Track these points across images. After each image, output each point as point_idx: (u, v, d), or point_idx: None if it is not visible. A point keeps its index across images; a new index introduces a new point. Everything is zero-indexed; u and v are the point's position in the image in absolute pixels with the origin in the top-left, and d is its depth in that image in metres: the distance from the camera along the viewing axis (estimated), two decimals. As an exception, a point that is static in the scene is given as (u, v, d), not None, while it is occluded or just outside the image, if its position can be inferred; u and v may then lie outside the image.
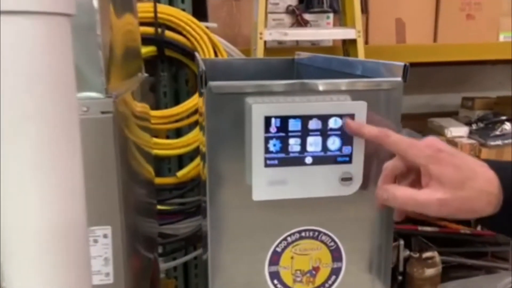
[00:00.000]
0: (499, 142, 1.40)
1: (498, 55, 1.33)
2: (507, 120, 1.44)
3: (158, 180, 1.25)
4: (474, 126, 1.45)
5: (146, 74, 0.84)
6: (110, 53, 0.53)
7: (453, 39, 1.33)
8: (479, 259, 1.55)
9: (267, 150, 0.49)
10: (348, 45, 1.21)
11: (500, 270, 1.56)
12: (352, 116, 0.49)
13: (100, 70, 0.51)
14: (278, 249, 0.53)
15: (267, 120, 0.48)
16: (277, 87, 0.49)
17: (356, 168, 0.51)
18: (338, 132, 0.50)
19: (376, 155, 0.51)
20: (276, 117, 0.48)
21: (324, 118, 0.49)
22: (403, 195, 0.45)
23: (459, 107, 1.58)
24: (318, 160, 0.50)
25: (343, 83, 0.51)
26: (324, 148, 0.50)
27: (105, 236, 0.55)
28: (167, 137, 1.23)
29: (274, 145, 0.49)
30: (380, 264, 0.55)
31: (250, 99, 0.49)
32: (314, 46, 1.29)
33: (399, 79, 0.51)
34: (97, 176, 0.51)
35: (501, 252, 1.57)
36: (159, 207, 1.25)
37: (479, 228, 1.59)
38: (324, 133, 0.49)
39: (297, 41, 1.27)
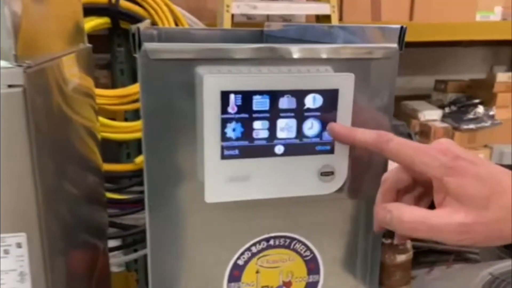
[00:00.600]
0: (472, 126, 1.31)
1: (475, 35, 1.23)
2: (480, 103, 1.35)
3: (116, 167, 1.11)
4: (447, 110, 1.36)
5: (88, 45, 0.69)
6: (25, 16, 0.39)
7: (429, 18, 1.22)
8: (448, 244, 1.48)
9: (224, 137, 0.35)
10: (321, 22, 1.09)
11: (469, 254, 1.49)
12: (335, 93, 0.36)
13: (7, 32, 0.37)
14: (240, 262, 0.40)
15: (224, 97, 0.34)
16: (238, 53, 0.36)
17: (340, 159, 0.38)
18: (317, 114, 0.36)
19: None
20: (236, 92, 0.35)
21: (299, 95, 0.36)
22: (412, 218, 0.33)
23: (432, 90, 1.48)
24: (292, 150, 0.37)
25: (323, 49, 0.37)
26: (299, 134, 0.36)
27: (18, 245, 0.41)
28: (126, 120, 1.08)
29: (234, 129, 0.35)
30: (365, 276, 0.43)
31: (201, 69, 0.35)
32: (285, 22, 1.15)
33: (395, 45, 0.38)
34: (5, 167, 0.37)
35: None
36: (117, 196, 1.11)
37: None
38: (299, 114, 0.36)
39: (267, 16, 1.12)
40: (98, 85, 1.14)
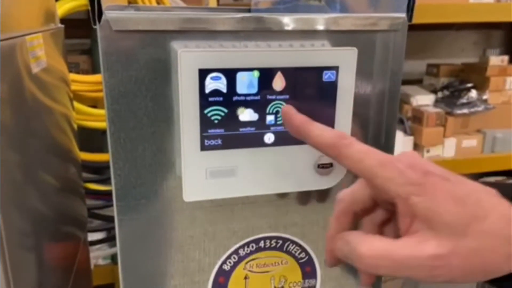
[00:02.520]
0: (465, 111, 1.26)
1: (468, 17, 1.17)
2: (473, 87, 1.31)
3: (99, 157, 1.04)
4: (439, 94, 1.31)
5: (60, 25, 0.61)
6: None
7: (422, -1, 1.16)
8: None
9: (204, 124, 0.29)
10: (312, 3, 1.02)
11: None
12: (335, 70, 0.30)
13: None
14: (226, 267, 0.34)
15: (203, 76, 0.28)
16: (219, 24, 0.29)
17: (340, 149, 0.32)
18: (313, 96, 0.30)
19: (368, 126, 0.33)
20: (217, 71, 0.29)
21: (291, 74, 0.30)
22: (373, 251, 0.25)
23: (424, 75, 1.43)
24: (283, 139, 0.31)
25: (320, 20, 0.31)
26: (293, 119, 0.31)
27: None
28: (108, 107, 1.01)
29: (215, 115, 0.29)
30: (367, 280, 0.37)
31: (176, 44, 0.29)
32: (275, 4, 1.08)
33: (403, 15, 0.32)
34: None
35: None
36: (102, 187, 1.04)
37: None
38: (293, 97, 0.30)
39: (255, -2, 1.05)
40: (78, 71, 1.07)
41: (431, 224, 0.24)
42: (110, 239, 1.07)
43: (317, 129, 0.28)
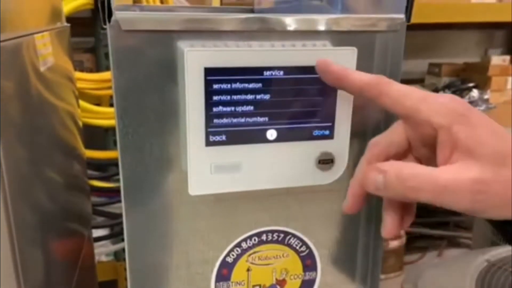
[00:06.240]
0: (466, 110, 1.27)
1: (471, 17, 1.18)
2: (475, 87, 1.32)
3: (103, 154, 1.06)
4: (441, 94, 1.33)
5: (66, 24, 0.63)
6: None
7: (424, -1, 1.17)
8: (441, 229, 1.45)
9: (209, 121, 0.30)
10: (314, 2, 1.03)
11: (461, 239, 1.47)
12: (336, 69, 0.31)
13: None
14: (229, 259, 0.36)
15: (209, 74, 0.30)
16: (224, 24, 0.31)
17: (340, 145, 0.33)
18: (314, 94, 0.32)
19: (368, 123, 0.34)
20: (222, 69, 0.30)
21: (294, 73, 0.31)
22: (415, 174, 0.25)
23: (425, 74, 1.44)
24: (286, 135, 0.32)
25: (321, 20, 0.32)
26: (294, 116, 0.32)
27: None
28: (111, 105, 1.03)
29: (220, 112, 0.31)
30: (366, 273, 0.39)
31: (183, 43, 0.30)
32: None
33: (402, 15, 0.33)
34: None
35: (462, 221, 1.48)
36: (105, 184, 1.06)
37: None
38: (295, 95, 0.32)
39: (258, -3, 1.06)
40: (82, 69, 1.08)
41: (472, 153, 0.25)
42: (113, 236, 1.09)
43: (355, 73, 0.29)
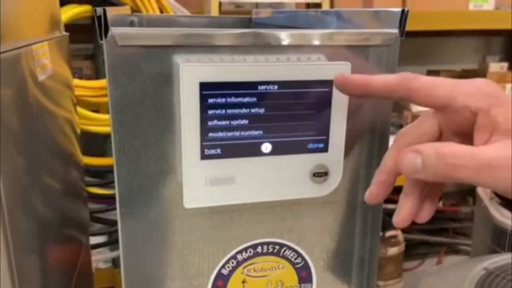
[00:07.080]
0: (465, 117, 1.28)
1: (468, 24, 1.19)
2: (473, 94, 1.32)
3: (101, 161, 1.06)
4: (439, 100, 1.33)
5: (65, 33, 0.63)
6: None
7: (422, 6, 1.18)
8: (440, 236, 1.46)
9: (204, 134, 0.31)
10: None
11: (460, 246, 1.47)
12: (330, 83, 0.32)
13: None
14: (224, 271, 0.36)
15: (204, 89, 0.30)
16: (219, 39, 0.31)
17: (334, 158, 0.33)
18: (309, 107, 0.32)
19: (361, 135, 0.34)
20: (217, 84, 0.30)
21: (288, 87, 0.31)
22: (456, 151, 0.25)
23: (424, 81, 1.44)
24: (280, 148, 0.32)
25: (315, 35, 0.33)
26: (289, 130, 0.32)
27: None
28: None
29: (215, 126, 0.31)
30: (361, 285, 0.39)
31: (178, 58, 0.30)
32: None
33: (395, 30, 0.34)
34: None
35: (462, 228, 1.48)
36: (103, 191, 1.06)
37: (440, 204, 1.49)
38: (289, 109, 0.32)
39: (256, 5, 1.07)
40: (81, 75, 1.09)
41: (510, 132, 0.25)
42: (111, 243, 1.09)
43: (377, 77, 0.29)
